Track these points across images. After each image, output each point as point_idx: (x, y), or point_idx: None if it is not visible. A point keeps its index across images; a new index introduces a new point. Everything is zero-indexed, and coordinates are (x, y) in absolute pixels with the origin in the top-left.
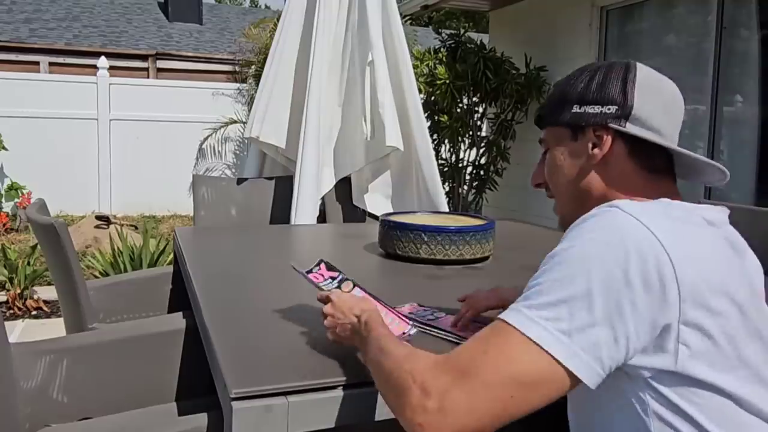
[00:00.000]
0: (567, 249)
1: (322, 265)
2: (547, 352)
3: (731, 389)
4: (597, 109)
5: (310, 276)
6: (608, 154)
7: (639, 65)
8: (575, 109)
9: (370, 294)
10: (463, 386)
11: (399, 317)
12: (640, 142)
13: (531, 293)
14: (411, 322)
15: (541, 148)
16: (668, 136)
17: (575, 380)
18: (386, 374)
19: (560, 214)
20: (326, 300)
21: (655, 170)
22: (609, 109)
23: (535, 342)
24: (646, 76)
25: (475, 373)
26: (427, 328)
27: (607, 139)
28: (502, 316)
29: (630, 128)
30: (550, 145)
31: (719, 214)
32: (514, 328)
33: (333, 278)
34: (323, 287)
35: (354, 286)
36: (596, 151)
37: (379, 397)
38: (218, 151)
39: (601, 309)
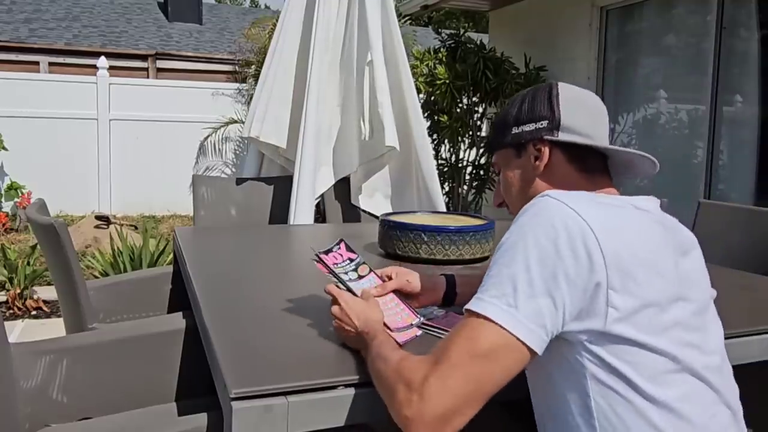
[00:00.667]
0: (508, 237)
1: (342, 245)
2: (497, 324)
3: (661, 347)
4: (531, 126)
5: (330, 255)
6: (549, 163)
7: (560, 84)
8: (514, 130)
9: (381, 278)
10: (436, 372)
11: (409, 309)
12: (575, 148)
13: (486, 281)
14: (419, 316)
15: (495, 170)
16: (597, 139)
17: (525, 348)
18: (382, 378)
19: (512, 212)
20: (334, 300)
21: (592, 170)
22: (541, 124)
23: (487, 318)
24: (567, 90)
25: (446, 357)
26: (433, 329)
27: (545, 150)
28: (466, 306)
29: (562, 136)
30: (501, 166)
31: (649, 202)
32: (473, 311)
33: (351, 260)
34: (340, 268)
35: (370, 270)
36: (537, 162)
37: (379, 398)
38: (218, 150)
39: (539, 281)
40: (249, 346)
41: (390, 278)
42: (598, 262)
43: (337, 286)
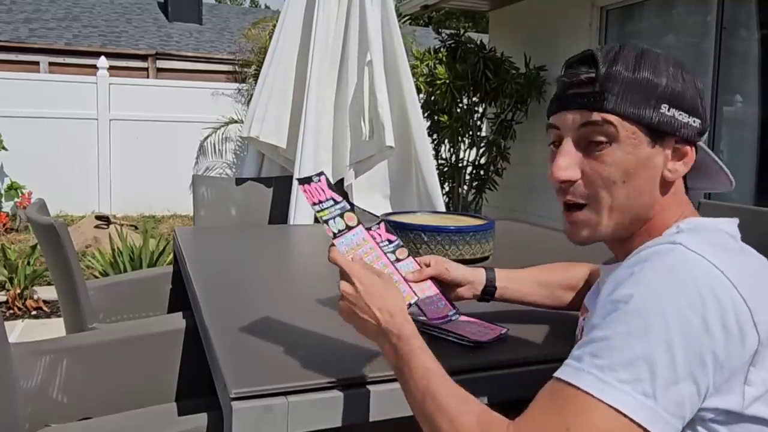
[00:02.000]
0: (634, 295)
1: (382, 225)
2: (630, 419)
3: None
4: (686, 117)
5: (305, 187)
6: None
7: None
8: (664, 109)
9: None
10: None
11: (445, 299)
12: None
13: (599, 349)
14: (456, 308)
15: (594, 136)
16: None
17: None
18: (435, 423)
19: (588, 226)
20: (343, 274)
21: (686, 180)
22: (695, 121)
23: (618, 410)
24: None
25: None
26: (439, 331)
27: (691, 155)
28: (568, 378)
29: (701, 146)
30: (619, 142)
31: (732, 225)
32: (593, 396)
33: (390, 241)
34: (319, 208)
35: (408, 254)
36: (679, 165)
37: (379, 397)
38: (218, 150)
39: (683, 363)
40: (249, 346)
41: (428, 265)
42: (750, 338)
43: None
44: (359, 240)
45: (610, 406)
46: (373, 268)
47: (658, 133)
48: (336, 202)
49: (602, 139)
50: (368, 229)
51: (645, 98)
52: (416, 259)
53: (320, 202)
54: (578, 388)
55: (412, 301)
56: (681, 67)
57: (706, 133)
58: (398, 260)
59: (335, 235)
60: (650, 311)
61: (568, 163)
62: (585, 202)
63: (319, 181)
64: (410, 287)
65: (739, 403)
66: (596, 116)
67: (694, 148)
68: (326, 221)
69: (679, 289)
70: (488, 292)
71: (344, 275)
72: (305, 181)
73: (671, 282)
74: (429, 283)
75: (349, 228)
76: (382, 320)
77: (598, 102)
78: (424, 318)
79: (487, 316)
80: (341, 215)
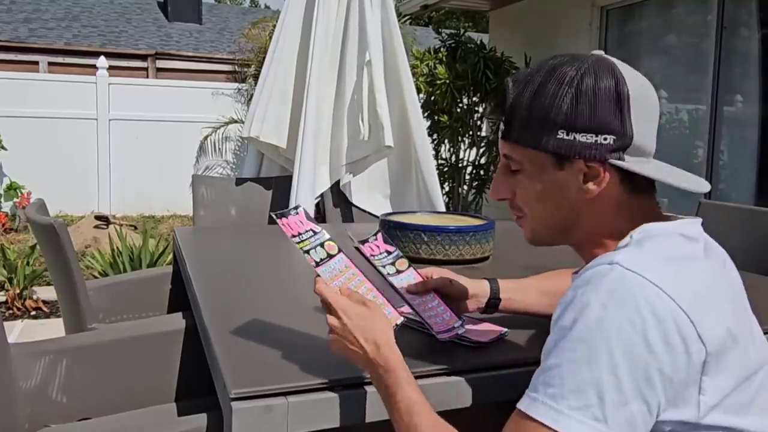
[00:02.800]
0: (576, 321)
1: (379, 236)
2: None
3: (749, 427)
4: (591, 138)
5: (365, 247)
6: (604, 186)
7: (625, 73)
8: (561, 135)
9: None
10: None
11: (450, 311)
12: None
13: (551, 378)
14: (461, 318)
15: (506, 162)
16: (654, 148)
17: None
18: None
19: (532, 233)
20: (328, 307)
21: (641, 190)
22: (606, 139)
23: None
24: (635, 88)
25: None
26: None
27: (605, 175)
28: (525, 409)
29: (629, 162)
30: (524, 168)
31: (693, 225)
32: (546, 426)
33: (389, 252)
34: (377, 261)
35: (409, 265)
36: (591, 186)
37: (379, 398)
38: (218, 150)
39: (630, 384)
40: (249, 346)
41: (430, 278)
42: (696, 350)
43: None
44: (341, 267)
45: None
46: (359, 297)
47: (561, 157)
48: (315, 233)
49: (514, 167)
50: (365, 241)
51: (540, 127)
52: (418, 271)
53: (299, 234)
54: (535, 420)
55: (398, 323)
56: (590, 80)
57: (632, 144)
58: (398, 272)
59: (317, 264)
60: (593, 336)
61: (497, 186)
62: (520, 214)
63: (297, 213)
64: (395, 309)
65: (694, 414)
66: (504, 147)
67: (606, 167)
68: (307, 251)
69: (618, 311)
70: (492, 305)
71: (330, 309)
72: (283, 215)
73: (610, 304)
74: (432, 294)
75: (330, 256)
76: (369, 351)
77: (505, 133)
78: (430, 331)
79: (487, 316)
80: (321, 245)
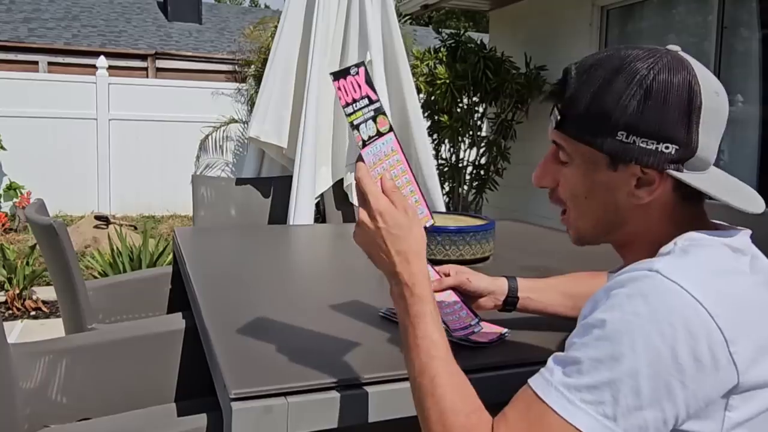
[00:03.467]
0: (606, 321)
1: (362, 71)
2: None
3: None
4: (652, 145)
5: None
6: (658, 195)
7: (700, 78)
8: (621, 137)
9: (438, 274)
10: None
11: (467, 309)
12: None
13: (570, 370)
14: (478, 316)
15: (556, 152)
16: (713, 161)
17: None
18: (424, 404)
19: (576, 231)
20: (364, 198)
21: (693, 198)
22: (667, 148)
23: (577, 429)
24: (709, 98)
25: None
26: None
27: (659, 186)
28: (538, 390)
29: (688, 175)
30: (575, 161)
31: (741, 237)
32: (556, 413)
33: (370, 100)
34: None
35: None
36: (643, 193)
37: (379, 398)
38: (218, 150)
39: (648, 391)
40: (249, 346)
41: (448, 275)
42: (726, 369)
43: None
44: (387, 150)
45: (572, 426)
46: (401, 200)
47: (616, 159)
48: (371, 102)
49: (563, 158)
50: (342, 74)
51: (600, 125)
52: (436, 268)
53: (354, 101)
54: (547, 405)
55: (428, 224)
56: (662, 83)
57: (694, 156)
58: (379, 134)
59: (364, 143)
60: (620, 339)
61: (541, 173)
62: (562, 207)
63: (357, 73)
64: (428, 208)
65: (717, 428)
66: (556, 136)
67: (662, 176)
68: (357, 126)
69: (650, 319)
70: (510, 303)
71: (366, 204)
72: (341, 74)
73: (643, 311)
74: (449, 291)
75: (380, 134)
76: (397, 263)
77: (560, 123)
78: (479, 320)
79: (487, 317)
80: (374, 118)
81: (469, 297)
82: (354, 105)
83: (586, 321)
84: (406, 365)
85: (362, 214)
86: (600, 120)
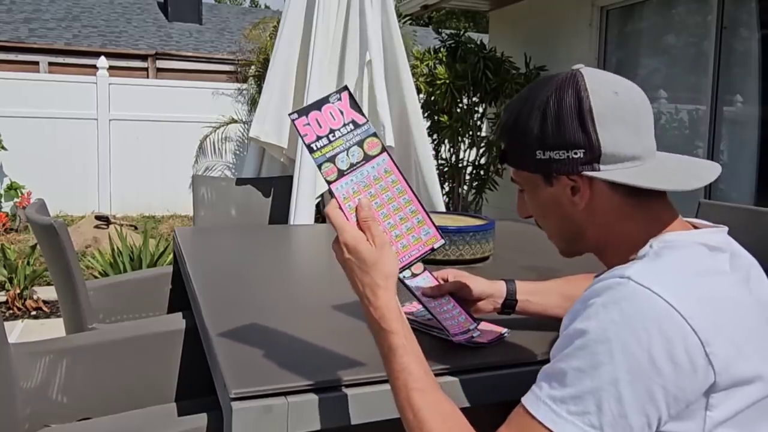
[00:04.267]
0: (585, 331)
1: (345, 96)
2: None
3: None
4: (563, 154)
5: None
6: (590, 197)
7: (590, 85)
8: (539, 155)
9: (436, 279)
10: None
11: (465, 313)
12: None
13: (556, 382)
14: (476, 321)
15: (517, 186)
16: (647, 151)
17: None
18: (403, 414)
19: (557, 246)
20: (334, 223)
21: (642, 193)
22: (575, 153)
23: None
24: (602, 99)
25: None
26: (438, 331)
27: (585, 188)
28: (528, 406)
29: (605, 171)
30: (526, 187)
31: (718, 234)
32: (545, 426)
33: (356, 125)
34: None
35: (424, 269)
36: (577, 199)
37: (379, 398)
38: (218, 150)
39: (631, 397)
40: (249, 346)
41: (446, 281)
42: (702, 370)
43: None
44: (379, 172)
45: None
46: (374, 230)
47: (545, 175)
48: (356, 126)
49: (519, 187)
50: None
51: (522, 149)
52: (434, 273)
53: (331, 131)
54: (534, 418)
55: (436, 245)
56: (553, 98)
57: (602, 154)
58: (414, 275)
59: (341, 174)
60: (599, 348)
61: (519, 206)
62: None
63: (340, 99)
64: (435, 227)
65: (699, 428)
66: (511, 170)
67: (583, 179)
68: (332, 158)
69: (626, 327)
70: (509, 305)
71: (338, 233)
72: (304, 111)
73: (618, 318)
74: (447, 297)
75: (368, 158)
76: (365, 295)
77: (503, 158)
78: (447, 335)
79: (487, 317)
80: (361, 142)
81: (467, 301)
82: (329, 136)
83: (566, 332)
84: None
85: (334, 244)
86: (520, 145)
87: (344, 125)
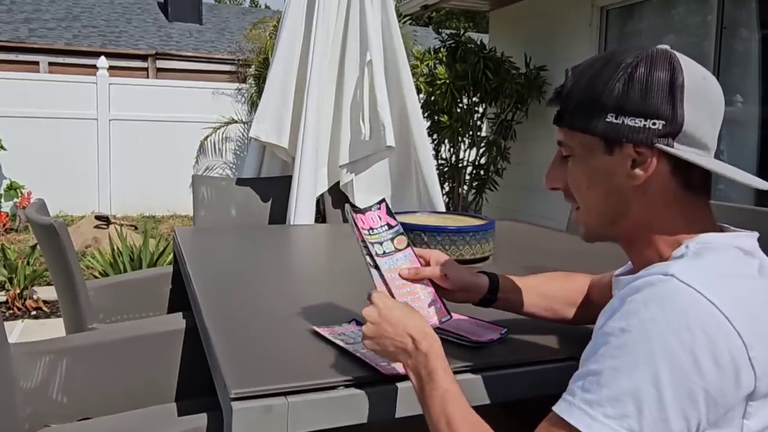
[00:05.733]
0: (623, 330)
1: (383, 206)
2: None
3: None
4: (640, 122)
5: (364, 216)
6: (652, 174)
7: (685, 65)
8: (611, 118)
9: (418, 259)
10: None
11: (441, 303)
12: (684, 161)
13: (590, 384)
14: (449, 314)
15: (560, 150)
16: (713, 147)
17: None
18: (436, 426)
19: (585, 226)
20: (371, 301)
21: (694, 187)
22: (654, 124)
23: None
24: (694, 80)
25: None
26: (439, 331)
27: (653, 160)
28: (561, 413)
29: (679, 149)
30: (575, 152)
31: (750, 239)
32: (577, 430)
33: (390, 226)
34: (375, 235)
35: (408, 245)
36: (638, 171)
37: (379, 398)
38: (218, 150)
39: (672, 400)
40: (249, 346)
41: (428, 263)
42: (745, 374)
43: (365, 255)
44: (406, 263)
45: None
46: (401, 300)
47: (610, 142)
48: (390, 227)
49: (566, 153)
50: (365, 210)
51: (591, 110)
52: (416, 251)
53: (371, 228)
54: (569, 424)
55: (444, 319)
56: (644, 65)
57: (682, 131)
58: (397, 250)
59: (380, 255)
60: (639, 347)
61: (550, 175)
62: (574, 204)
63: (380, 208)
64: (445, 306)
65: None
66: (558, 133)
67: (654, 152)
68: (370, 243)
69: (668, 325)
70: (487, 300)
71: (371, 302)
72: (366, 210)
73: (661, 317)
74: (424, 284)
75: (397, 250)
76: (407, 335)
77: (558, 119)
78: (449, 318)
79: (487, 316)
80: (393, 239)
81: (444, 289)
82: (369, 231)
83: (602, 330)
84: (423, 411)
85: (366, 309)
86: (590, 106)
87: (381, 226)
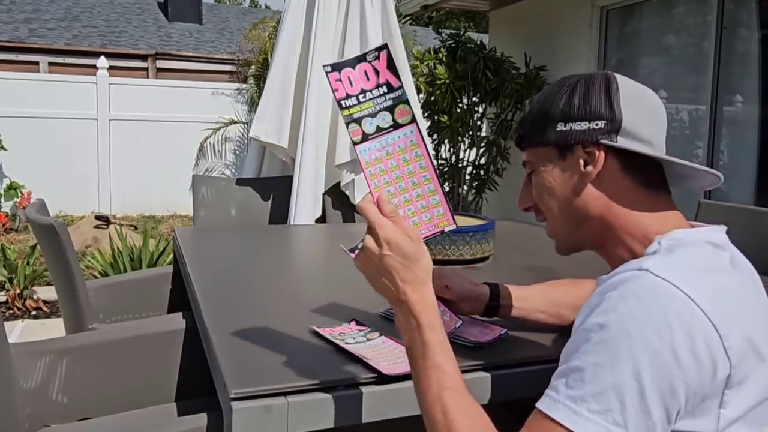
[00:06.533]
0: (603, 326)
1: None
2: None
3: None
4: (584, 125)
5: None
6: (602, 171)
7: (618, 77)
8: (560, 127)
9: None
10: None
11: (450, 312)
12: (632, 157)
13: (573, 380)
14: (460, 319)
15: (526, 170)
16: (658, 147)
17: None
18: (430, 413)
19: (555, 236)
20: (368, 224)
21: (650, 184)
22: (597, 124)
23: None
24: (629, 88)
25: None
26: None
27: (600, 155)
28: (545, 409)
29: (622, 143)
30: (536, 166)
31: (719, 233)
32: (564, 427)
33: (390, 87)
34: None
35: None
36: (589, 168)
37: (379, 398)
38: (218, 151)
39: (653, 392)
40: (249, 346)
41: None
42: (722, 366)
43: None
44: (406, 143)
45: None
46: (403, 224)
47: (562, 147)
48: (391, 89)
49: (529, 170)
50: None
51: (543, 125)
52: None
53: (363, 91)
54: (554, 420)
55: (447, 229)
56: (583, 81)
57: (622, 127)
58: (396, 125)
59: (366, 138)
60: (618, 342)
61: (522, 196)
62: (543, 219)
63: (377, 58)
64: (450, 209)
65: (713, 426)
66: (523, 156)
67: (600, 148)
68: (358, 120)
69: (646, 319)
70: (491, 308)
71: (370, 230)
72: (338, 66)
73: (638, 311)
74: None
75: (396, 126)
76: (404, 293)
77: (519, 143)
78: (460, 323)
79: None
80: (392, 107)
81: (447, 301)
82: (359, 97)
83: (582, 327)
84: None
85: (368, 241)
86: (542, 121)
87: (377, 87)
